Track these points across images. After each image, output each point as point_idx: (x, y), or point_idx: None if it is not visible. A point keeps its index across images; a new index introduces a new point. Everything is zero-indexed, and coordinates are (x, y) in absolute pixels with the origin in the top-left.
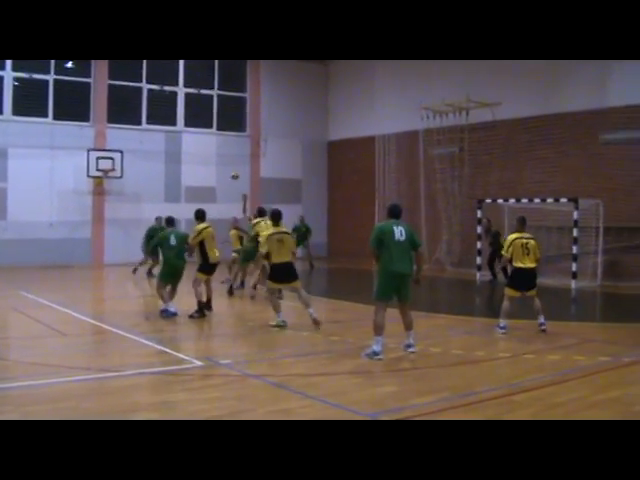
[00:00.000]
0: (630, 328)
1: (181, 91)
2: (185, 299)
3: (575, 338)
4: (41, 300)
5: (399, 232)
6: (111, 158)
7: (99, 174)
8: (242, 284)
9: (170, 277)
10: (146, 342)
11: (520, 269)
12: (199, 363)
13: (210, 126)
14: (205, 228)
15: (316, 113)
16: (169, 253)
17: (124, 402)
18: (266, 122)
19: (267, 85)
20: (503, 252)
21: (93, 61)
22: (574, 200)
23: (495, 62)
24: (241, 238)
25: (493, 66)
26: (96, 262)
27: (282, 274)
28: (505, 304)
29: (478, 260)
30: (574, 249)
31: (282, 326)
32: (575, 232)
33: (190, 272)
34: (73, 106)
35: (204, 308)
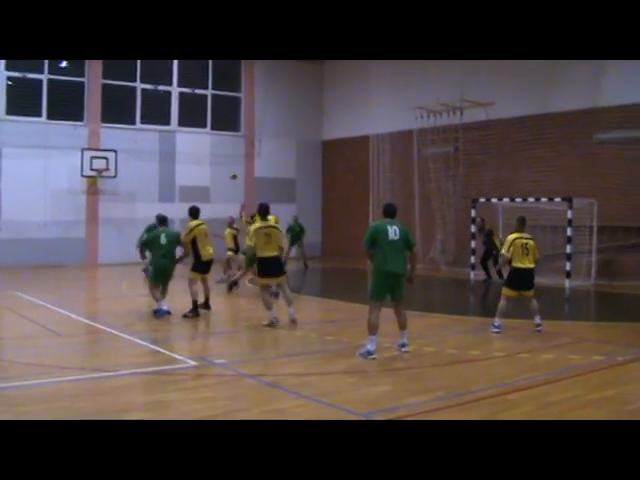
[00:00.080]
0: (624, 327)
1: (175, 91)
2: (179, 298)
3: (569, 337)
4: (35, 300)
5: (393, 232)
6: (105, 158)
7: (93, 174)
8: (236, 283)
9: (159, 277)
10: (140, 342)
11: (519, 269)
12: (193, 363)
13: (204, 126)
14: (197, 225)
15: (310, 113)
16: (157, 252)
17: (118, 402)
18: (260, 122)
19: (261, 85)
20: (503, 252)
21: (87, 61)
22: (568, 199)
23: (489, 62)
24: (235, 237)
25: (487, 66)
26: (90, 262)
27: (269, 268)
28: (502, 303)
29: (472, 259)
30: (568, 248)
31: (274, 323)
32: (569, 231)
33: (183, 272)
34: (67, 106)
35: (201, 307)
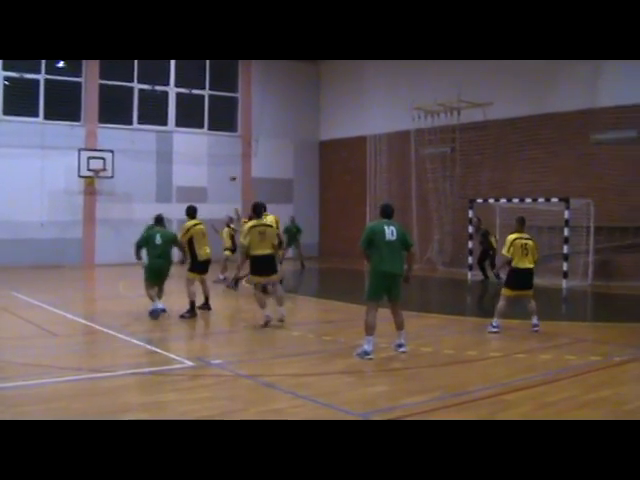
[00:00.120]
0: (621, 328)
1: (172, 91)
2: (177, 298)
3: (566, 338)
4: (32, 300)
5: (390, 232)
6: (102, 158)
7: (90, 174)
8: (236, 283)
9: (154, 277)
10: (137, 342)
11: (519, 269)
12: (190, 363)
13: (201, 126)
14: (194, 225)
15: (307, 113)
16: (152, 252)
17: (115, 402)
18: (257, 122)
19: (258, 85)
20: (504, 252)
21: (84, 61)
22: (565, 200)
23: (486, 62)
24: (232, 237)
25: (484, 66)
26: (87, 262)
27: (263, 266)
28: (501, 303)
29: (470, 260)
30: (565, 249)
31: (269, 322)
32: (566, 232)
33: (181, 272)
34: (64, 106)
35: (202, 308)
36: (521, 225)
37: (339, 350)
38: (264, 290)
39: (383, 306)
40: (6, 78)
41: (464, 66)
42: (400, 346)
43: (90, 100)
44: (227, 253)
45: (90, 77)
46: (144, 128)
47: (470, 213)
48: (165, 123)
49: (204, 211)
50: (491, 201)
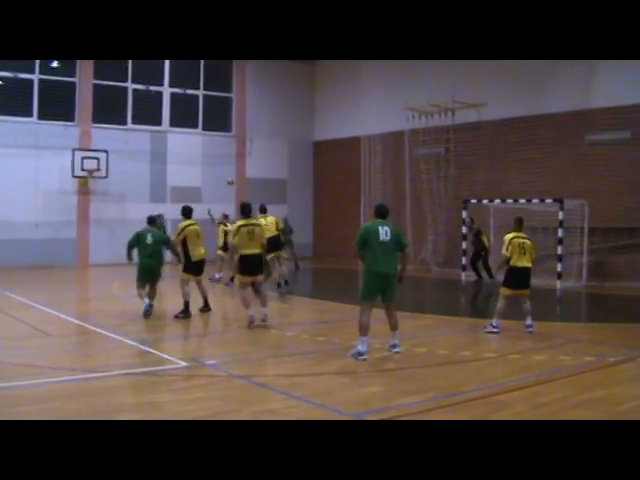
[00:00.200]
0: (615, 328)
1: (166, 91)
2: (171, 299)
3: (560, 338)
4: (25, 300)
5: (384, 232)
6: (96, 158)
7: (84, 174)
8: (232, 280)
9: (144, 276)
10: (131, 342)
11: (517, 268)
12: (184, 363)
13: (196, 126)
14: (187, 225)
15: (302, 113)
16: (143, 252)
17: (109, 403)
18: (252, 122)
19: (253, 85)
20: (503, 251)
21: (78, 61)
22: (559, 200)
23: (481, 63)
24: (227, 234)
25: (479, 67)
26: (81, 262)
27: (251, 266)
28: (501, 303)
29: (463, 260)
30: (559, 249)
31: (252, 322)
32: (560, 232)
33: (176, 273)
34: (58, 106)
35: (202, 310)
36: (519, 225)
37: (333, 350)
38: (255, 290)
39: (377, 307)
40: (0, 78)
41: (458, 67)
42: (394, 346)
43: (84, 100)
44: (220, 253)
45: (84, 77)
46: (138, 128)
47: (464, 214)
48: (159, 123)
49: (198, 211)
50: (485, 202)
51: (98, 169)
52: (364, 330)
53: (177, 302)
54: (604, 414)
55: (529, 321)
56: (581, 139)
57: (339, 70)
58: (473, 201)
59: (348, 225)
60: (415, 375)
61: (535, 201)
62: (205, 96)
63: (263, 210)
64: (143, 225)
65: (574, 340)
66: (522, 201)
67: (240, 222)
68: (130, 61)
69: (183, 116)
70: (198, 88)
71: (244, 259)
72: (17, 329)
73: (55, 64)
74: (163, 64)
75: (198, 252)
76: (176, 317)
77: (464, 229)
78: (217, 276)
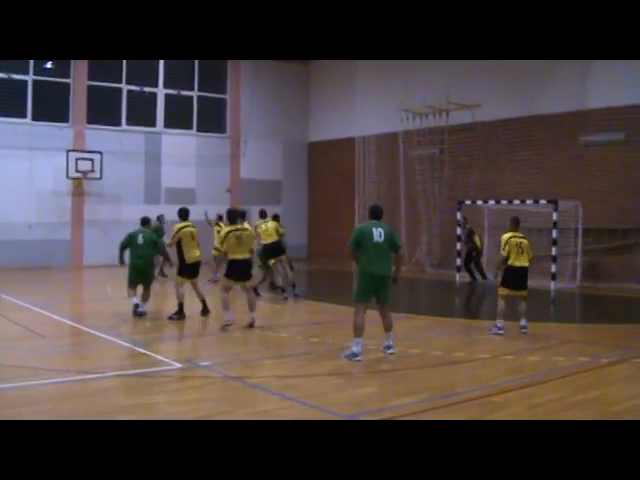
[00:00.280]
0: (609, 329)
1: (161, 92)
2: (165, 301)
3: (555, 339)
4: (19, 302)
5: (378, 234)
6: (90, 159)
7: (78, 175)
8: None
9: (135, 276)
10: (125, 344)
11: (515, 268)
12: (178, 365)
13: (190, 127)
14: (182, 227)
15: (296, 114)
16: (134, 252)
17: (103, 404)
18: (246, 123)
19: (247, 86)
20: (501, 251)
21: (72, 61)
22: (554, 202)
23: (475, 64)
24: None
25: (473, 68)
26: (75, 264)
27: (239, 271)
28: (501, 304)
29: (458, 261)
30: (553, 250)
31: (229, 325)
32: (554, 233)
33: (172, 275)
34: (52, 107)
35: (204, 313)
36: (515, 225)
37: (327, 352)
38: (255, 292)
39: (371, 308)
40: None
41: (453, 68)
42: (388, 348)
43: (78, 101)
44: (215, 253)
45: (78, 78)
46: (132, 129)
47: (458, 215)
48: (154, 124)
49: (193, 213)
50: (479, 203)
51: (92, 170)
52: (358, 331)
53: (171, 303)
54: (598, 414)
55: (523, 322)
56: (575, 140)
57: (334, 71)
58: (467, 202)
59: (342, 226)
60: (409, 376)
61: (529, 202)
62: (199, 97)
63: (263, 215)
64: (137, 226)
65: (568, 341)
66: (516, 202)
67: (227, 228)
68: (124, 62)
69: (177, 117)
70: (192, 89)
71: (232, 264)
72: (10, 330)
73: (49, 65)
74: (157, 65)
75: (193, 254)
76: (170, 318)
77: (458, 230)
78: (217, 275)
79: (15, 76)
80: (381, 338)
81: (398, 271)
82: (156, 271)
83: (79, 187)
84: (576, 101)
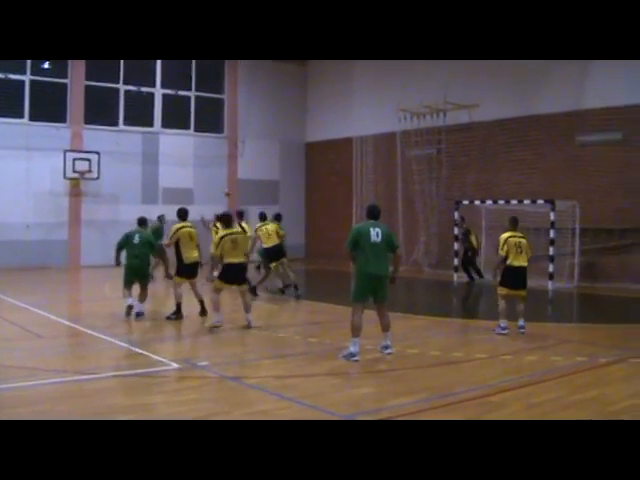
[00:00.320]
0: (607, 329)
1: (158, 92)
2: (164, 301)
3: (552, 339)
4: (17, 302)
5: (375, 234)
6: (88, 159)
7: (76, 175)
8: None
9: (131, 276)
10: (122, 344)
11: (514, 267)
12: (176, 365)
13: (187, 127)
14: (180, 228)
15: (294, 114)
16: (130, 252)
17: (100, 405)
18: (244, 123)
19: (245, 86)
20: (499, 251)
21: (70, 62)
22: (551, 201)
23: (472, 64)
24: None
25: (470, 68)
26: (73, 264)
27: (234, 275)
28: (501, 304)
29: (455, 261)
30: (551, 250)
31: (218, 326)
32: (552, 233)
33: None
34: (49, 107)
35: (202, 314)
36: (514, 225)
37: (325, 352)
38: (253, 292)
39: (369, 308)
40: None
41: (450, 68)
42: (386, 348)
43: (76, 101)
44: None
45: (76, 78)
46: (130, 129)
47: (456, 215)
48: (151, 124)
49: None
50: (477, 203)
51: (90, 170)
52: (356, 331)
53: (169, 304)
54: (596, 414)
55: (521, 322)
56: (572, 140)
57: (331, 71)
58: (465, 202)
59: (340, 226)
60: (407, 376)
61: (527, 202)
62: (197, 97)
63: (263, 217)
64: (134, 227)
65: (566, 341)
66: (514, 202)
67: (222, 232)
68: (122, 62)
69: (175, 117)
70: (190, 89)
71: (227, 268)
72: (8, 330)
73: (46, 65)
74: (155, 65)
75: (191, 255)
76: (168, 319)
77: (456, 230)
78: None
79: (12, 76)
80: (379, 338)
81: (396, 271)
82: (159, 273)
83: (76, 187)
84: (573, 101)
